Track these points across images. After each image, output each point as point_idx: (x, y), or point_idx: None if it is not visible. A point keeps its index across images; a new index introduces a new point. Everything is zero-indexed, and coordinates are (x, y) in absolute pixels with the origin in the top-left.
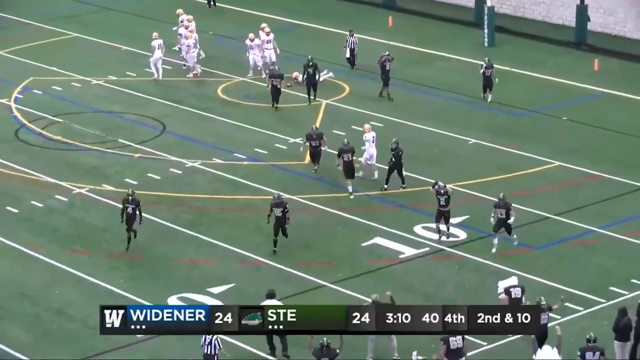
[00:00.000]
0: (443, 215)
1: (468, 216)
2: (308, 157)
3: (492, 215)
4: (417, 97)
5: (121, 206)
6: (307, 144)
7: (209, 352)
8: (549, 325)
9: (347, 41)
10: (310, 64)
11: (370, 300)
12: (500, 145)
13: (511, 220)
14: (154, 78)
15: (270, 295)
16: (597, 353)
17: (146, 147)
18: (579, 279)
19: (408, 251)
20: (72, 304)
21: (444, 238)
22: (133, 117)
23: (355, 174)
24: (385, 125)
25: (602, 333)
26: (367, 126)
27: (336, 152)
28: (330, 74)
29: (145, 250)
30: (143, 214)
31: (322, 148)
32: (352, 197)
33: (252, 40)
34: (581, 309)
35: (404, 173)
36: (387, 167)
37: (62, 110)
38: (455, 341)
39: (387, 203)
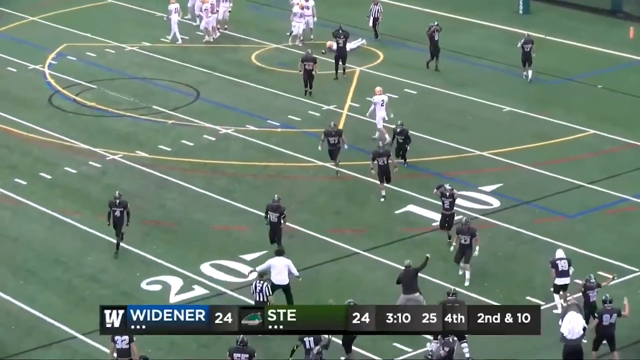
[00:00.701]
0: (447, 220)
1: (501, 184)
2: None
3: (454, 243)
4: (451, 64)
5: (108, 209)
6: (324, 140)
7: (259, 299)
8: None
9: (370, 10)
10: (341, 32)
11: (403, 266)
12: (535, 113)
13: (476, 253)
14: (178, 43)
15: (279, 252)
16: (614, 315)
17: (180, 113)
18: (613, 248)
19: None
20: (105, 270)
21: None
22: (167, 83)
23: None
24: (419, 92)
25: (636, 302)
26: (378, 89)
27: (370, 156)
28: (363, 41)
29: (178, 217)
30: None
31: (342, 146)
32: (382, 200)
33: (301, 8)
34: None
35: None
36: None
37: (96, 76)
38: None
39: (420, 171)
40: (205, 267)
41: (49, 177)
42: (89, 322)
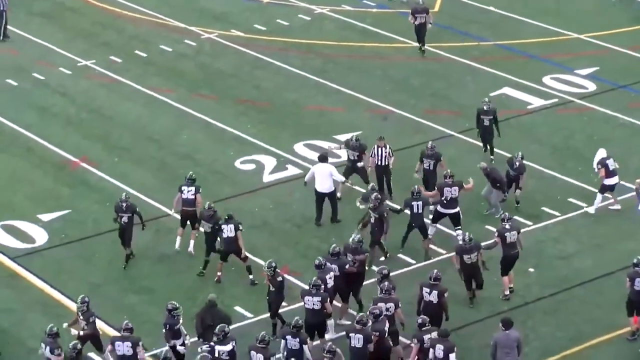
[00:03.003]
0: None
1: (597, 67)
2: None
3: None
4: None
5: (114, 215)
6: (343, 149)
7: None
8: None
9: None
10: None
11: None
12: None
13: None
14: None
15: (323, 158)
16: None
17: None
18: None
19: (536, 102)
20: (199, 148)
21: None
22: None
23: None
24: None
25: None
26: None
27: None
28: None
29: (273, 97)
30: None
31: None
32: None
33: None
34: None
35: None
36: None
37: None
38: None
39: (517, 53)
40: (299, 147)
41: (144, 55)
42: None
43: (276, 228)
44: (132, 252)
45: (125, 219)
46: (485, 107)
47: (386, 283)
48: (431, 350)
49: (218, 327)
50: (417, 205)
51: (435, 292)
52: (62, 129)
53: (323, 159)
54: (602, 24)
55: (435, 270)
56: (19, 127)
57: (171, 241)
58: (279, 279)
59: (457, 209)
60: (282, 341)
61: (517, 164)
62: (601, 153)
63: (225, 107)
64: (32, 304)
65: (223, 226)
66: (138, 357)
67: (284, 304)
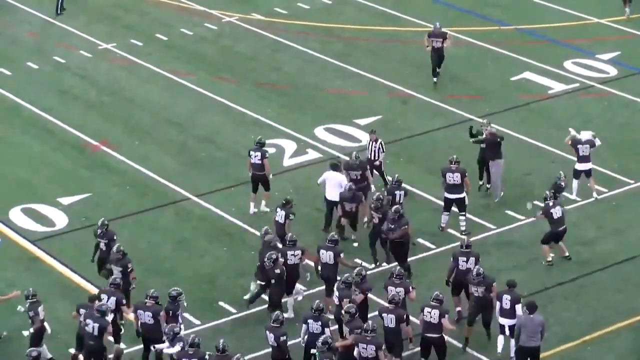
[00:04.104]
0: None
1: (619, 52)
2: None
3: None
4: None
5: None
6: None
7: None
8: None
9: None
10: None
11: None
12: None
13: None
14: None
15: (334, 166)
16: None
17: None
18: None
19: (557, 86)
20: (219, 132)
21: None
22: None
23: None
24: None
25: None
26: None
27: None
28: None
29: (293, 80)
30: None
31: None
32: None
33: None
34: None
35: None
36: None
37: None
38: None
39: (538, 37)
40: (319, 131)
41: (164, 38)
42: (204, 183)
43: (296, 212)
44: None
45: (102, 245)
46: (483, 131)
47: (398, 267)
48: (498, 302)
49: (168, 327)
50: (400, 194)
51: (472, 259)
52: (82, 112)
53: (334, 167)
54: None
55: (466, 239)
56: (40, 110)
57: (191, 225)
58: (277, 270)
59: (463, 195)
60: (304, 325)
61: (563, 183)
62: (583, 135)
63: (245, 90)
64: (51, 287)
65: (277, 209)
66: (161, 327)
67: (302, 288)
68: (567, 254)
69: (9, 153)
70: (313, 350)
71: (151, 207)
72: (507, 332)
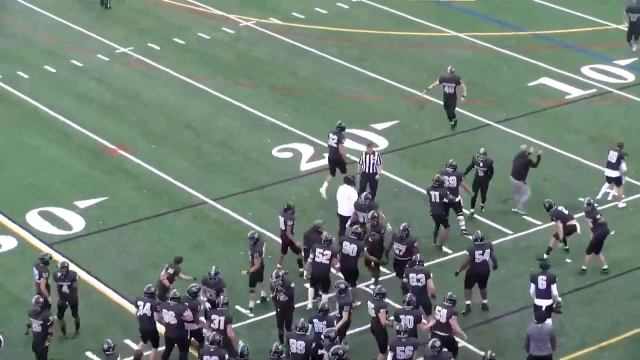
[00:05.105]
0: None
1: (637, 58)
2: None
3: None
4: None
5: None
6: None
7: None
8: None
9: None
10: None
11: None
12: None
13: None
14: None
15: (348, 180)
16: None
17: None
18: None
19: (574, 92)
20: (235, 136)
21: None
22: None
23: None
24: None
25: None
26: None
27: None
28: None
29: (310, 85)
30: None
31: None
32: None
33: None
34: None
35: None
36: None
37: None
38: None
39: (554, 43)
40: None
41: (181, 42)
42: (220, 187)
43: (313, 216)
44: (78, 324)
45: (64, 287)
46: (480, 160)
47: (418, 255)
48: (533, 284)
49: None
50: (434, 195)
51: (487, 250)
52: (99, 115)
53: (348, 181)
54: None
55: (479, 232)
56: (56, 113)
57: (207, 229)
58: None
59: (458, 199)
60: (309, 325)
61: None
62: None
63: (262, 94)
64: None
65: (279, 216)
66: (185, 326)
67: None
68: (605, 266)
69: (26, 156)
70: (321, 351)
71: (167, 211)
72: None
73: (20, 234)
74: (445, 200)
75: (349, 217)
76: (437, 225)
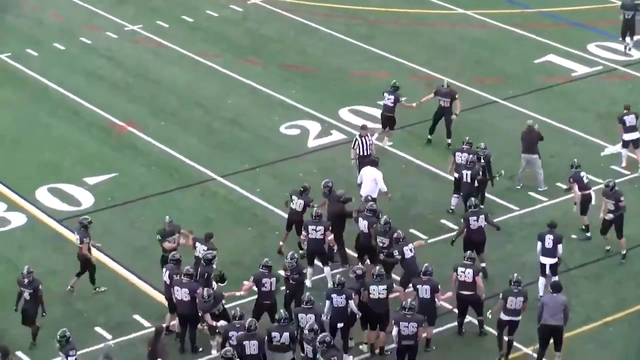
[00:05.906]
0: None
1: None
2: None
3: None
4: None
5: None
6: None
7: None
8: None
9: None
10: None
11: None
12: None
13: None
14: None
15: (372, 162)
16: None
17: None
18: None
19: (581, 69)
20: (244, 113)
21: None
22: None
23: None
24: None
25: None
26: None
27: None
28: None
29: (318, 63)
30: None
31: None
32: None
33: None
34: None
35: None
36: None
37: None
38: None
39: (561, 20)
40: (344, 113)
41: (190, 20)
42: (229, 164)
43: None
44: (36, 331)
45: (26, 294)
46: (480, 153)
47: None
48: (540, 242)
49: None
50: (467, 174)
51: (482, 216)
52: (108, 93)
53: (373, 163)
54: None
55: (473, 199)
56: (66, 91)
57: (216, 206)
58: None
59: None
60: (327, 301)
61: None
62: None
63: (270, 72)
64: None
65: (294, 197)
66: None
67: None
68: (624, 251)
69: (36, 133)
70: (340, 325)
71: (176, 188)
72: (548, 270)
73: (29, 211)
74: (475, 181)
75: (375, 198)
76: (465, 202)
